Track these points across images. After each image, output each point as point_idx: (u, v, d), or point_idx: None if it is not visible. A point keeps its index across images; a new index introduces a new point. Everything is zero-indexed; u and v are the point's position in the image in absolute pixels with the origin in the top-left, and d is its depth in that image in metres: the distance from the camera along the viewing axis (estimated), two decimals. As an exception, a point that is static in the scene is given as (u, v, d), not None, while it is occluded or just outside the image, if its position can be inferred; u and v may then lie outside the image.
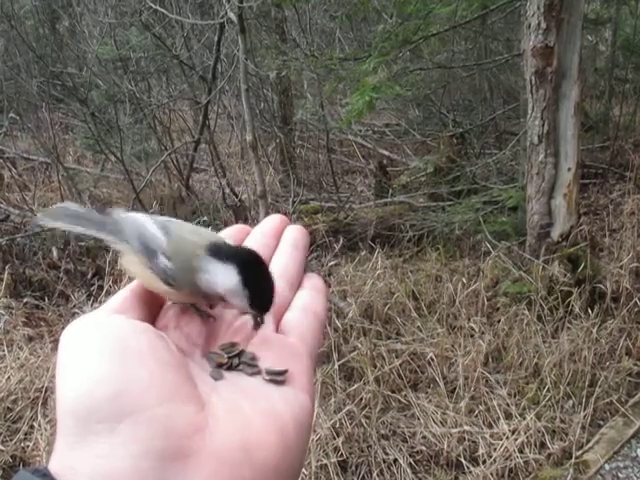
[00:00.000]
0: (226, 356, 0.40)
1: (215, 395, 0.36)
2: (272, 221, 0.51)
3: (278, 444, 0.35)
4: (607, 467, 2.79)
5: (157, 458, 0.31)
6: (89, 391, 0.33)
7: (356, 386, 2.99)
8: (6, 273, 3.75)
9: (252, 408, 0.36)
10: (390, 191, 5.44)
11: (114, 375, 0.33)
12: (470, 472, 2.69)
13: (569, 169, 3.71)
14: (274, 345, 0.41)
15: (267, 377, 0.39)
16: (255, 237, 0.49)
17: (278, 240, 0.50)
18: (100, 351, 0.34)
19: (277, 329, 0.43)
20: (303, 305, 0.45)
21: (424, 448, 2.81)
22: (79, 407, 0.32)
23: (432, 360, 3.20)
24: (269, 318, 0.44)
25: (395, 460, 2.72)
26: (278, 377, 0.39)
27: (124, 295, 0.41)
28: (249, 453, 0.33)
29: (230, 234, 0.50)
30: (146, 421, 0.32)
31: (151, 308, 0.42)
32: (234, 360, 0.39)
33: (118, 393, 0.32)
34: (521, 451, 2.76)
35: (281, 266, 0.47)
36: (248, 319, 0.44)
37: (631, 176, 5.17)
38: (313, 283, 0.48)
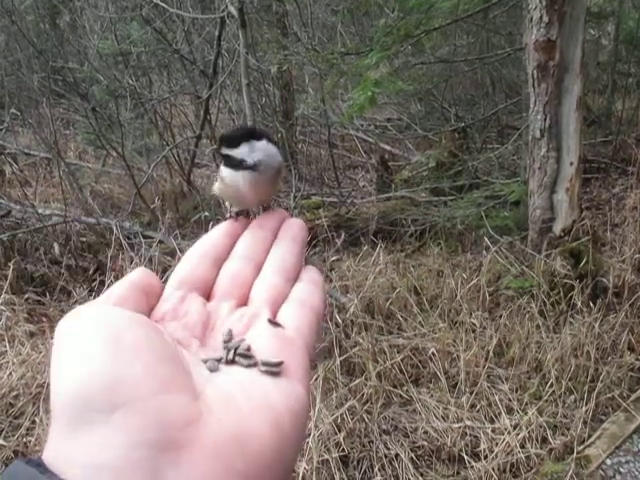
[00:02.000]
0: (222, 347, 0.40)
1: (210, 386, 0.36)
2: (271, 215, 0.52)
3: (272, 435, 0.35)
4: (609, 462, 2.79)
5: (150, 448, 0.31)
6: (83, 382, 0.32)
7: (358, 381, 2.99)
8: (11, 269, 3.75)
9: (247, 399, 0.36)
10: (392, 186, 5.44)
11: (108, 367, 0.33)
12: (472, 467, 2.69)
13: (571, 163, 3.70)
14: (270, 337, 0.41)
15: (263, 368, 0.39)
16: (253, 230, 0.50)
17: (276, 233, 0.50)
18: (95, 343, 0.34)
19: (274, 321, 0.43)
20: (300, 298, 0.45)
21: (426, 443, 2.81)
22: (73, 398, 0.32)
23: (434, 355, 3.20)
24: (265, 310, 0.44)
25: (397, 455, 2.72)
26: (273, 369, 0.39)
27: (122, 286, 0.41)
28: (242, 444, 0.33)
29: (228, 228, 0.50)
30: (139, 412, 0.32)
31: (149, 299, 0.42)
32: (230, 352, 0.40)
33: (112, 385, 0.32)
34: (523, 446, 2.76)
35: (278, 259, 0.48)
36: (247, 310, 0.44)
37: (633, 170, 5.15)
38: (311, 276, 0.48)
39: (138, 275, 0.43)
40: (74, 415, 0.32)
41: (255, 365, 0.39)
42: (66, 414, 0.32)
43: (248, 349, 0.40)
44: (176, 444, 0.31)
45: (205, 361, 0.39)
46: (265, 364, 0.39)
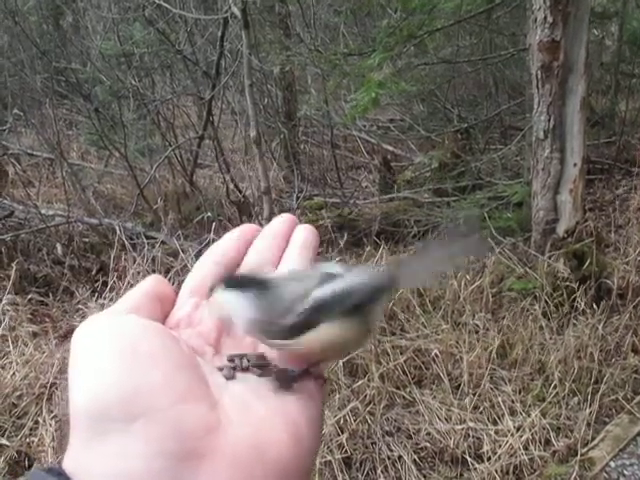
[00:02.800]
0: (237, 355, 0.40)
1: (227, 395, 0.36)
2: (281, 221, 0.51)
3: (290, 442, 0.35)
4: (612, 464, 2.78)
5: (170, 458, 0.31)
6: (101, 393, 0.33)
7: (360, 382, 2.98)
8: (14, 270, 3.76)
9: (263, 407, 0.36)
10: (394, 187, 5.43)
11: (126, 377, 0.33)
12: (475, 469, 2.69)
13: (575, 164, 3.69)
14: None
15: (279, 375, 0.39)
16: (265, 237, 0.50)
17: (288, 240, 0.50)
18: (112, 353, 0.34)
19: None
20: None
21: (428, 445, 2.81)
22: (92, 408, 0.33)
23: (437, 356, 3.20)
24: None
25: (399, 457, 2.71)
26: (289, 375, 0.39)
27: (136, 293, 0.41)
28: (261, 452, 0.33)
29: (240, 235, 0.50)
30: (159, 422, 0.32)
31: (163, 306, 0.42)
32: (245, 359, 0.40)
33: (130, 395, 0.32)
34: (526, 448, 2.75)
35: (290, 266, 0.48)
36: None
37: (637, 172, 5.14)
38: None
39: (151, 283, 0.43)
40: (93, 426, 0.32)
41: (270, 373, 0.39)
42: (85, 425, 0.33)
43: (263, 357, 0.40)
44: (196, 453, 0.32)
45: (221, 369, 0.38)
46: (280, 371, 0.39)
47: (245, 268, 0.47)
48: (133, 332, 0.36)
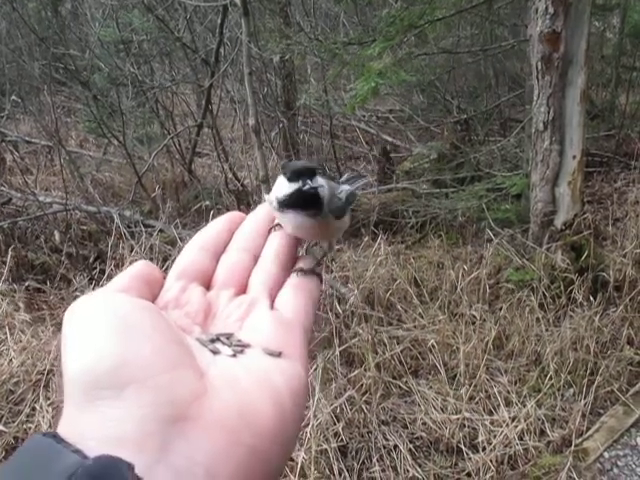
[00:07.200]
0: (224, 334, 0.41)
1: (214, 367, 0.38)
2: (265, 208, 0.54)
3: (274, 412, 0.36)
4: (606, 455, 2.80)
5: (161, 422, 0.32)
6: (94, 362, 0.34)
7: (357, 372, 2.99)
8: (9, 256, 3.75)
9: (249, 378, 0.38)
10: (393, 177, 5.42)
11: (118, 348, 0.35)
12: (470, 458, 2.70)
13: (574, 157, 3.68)
14: (269, 321, 0.43)
15: (264, 350, 0.40)
16: (249, 224, 0.52)
17: (272, 225, 0.53)
18: (104, 326, 0.36)
19: (272, 306, 0.45)
20: (296, 283, 0.48)
21: (424, 434, 2.82)
22: (85, 376, 0.34)
23: (433, 347, 3.21)
24: (263, 297, 0.45)
25: (395, 446, 2.73)
26: (274, 351, 0.41)
27: (126, 276, 0.43)
28: (246, 419, 0.35)
29: (226, 220, 0.52)
30: (150, 388, 0.33)
31: (151, 288, 0.44)
32: (231, 338, 0.41)
33: (122, 364, 0.34)
34: (521, 438, 2.77)
35: (274, 249, 0.50)
36: (245, 298, 0.45)
37: (636, 165, 5.15)
38: (306, 263, 0.51)
39: (138, 267, 0.44)
40: (86, 392, 0.34)
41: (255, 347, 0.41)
42: (78, 391, 0.34)
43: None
44: (184, 417, 0.33)
45: (208, 345, 0.40)
46: (265, 349, 0.40)
47: (229, 252, 0.49)
48: (123, 308, 0.38)
